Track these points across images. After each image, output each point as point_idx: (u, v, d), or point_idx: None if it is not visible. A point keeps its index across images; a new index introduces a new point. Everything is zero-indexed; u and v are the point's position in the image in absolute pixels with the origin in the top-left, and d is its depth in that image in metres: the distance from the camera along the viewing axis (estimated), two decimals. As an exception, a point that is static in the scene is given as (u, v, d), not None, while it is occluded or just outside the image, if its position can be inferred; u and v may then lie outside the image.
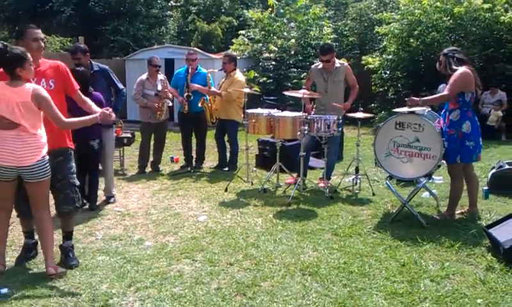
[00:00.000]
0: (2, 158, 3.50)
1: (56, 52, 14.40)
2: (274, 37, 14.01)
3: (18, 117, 3.48)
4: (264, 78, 13.01)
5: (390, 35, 12.11)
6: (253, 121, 6.28)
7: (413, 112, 4.84)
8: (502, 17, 10.54)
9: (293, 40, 13.81)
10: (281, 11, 14.52)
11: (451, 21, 11.11)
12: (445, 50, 4.91)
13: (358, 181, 6.21)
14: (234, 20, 18.09)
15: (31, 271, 3.80)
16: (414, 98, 4.86)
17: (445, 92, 4.68)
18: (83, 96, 4.05)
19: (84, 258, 4.03)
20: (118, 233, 4.67)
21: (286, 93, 6.66)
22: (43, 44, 3.89)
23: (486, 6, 10.60)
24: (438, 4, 11.29)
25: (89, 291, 3.45)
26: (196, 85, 7.18)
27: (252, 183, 6.62)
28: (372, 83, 12.52)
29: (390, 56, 12.18)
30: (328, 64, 6.21)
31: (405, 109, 4.93)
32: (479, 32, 10.99)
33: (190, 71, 7.24)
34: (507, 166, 5.94)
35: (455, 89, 4.64)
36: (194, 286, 3.51)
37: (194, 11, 19.61)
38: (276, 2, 14.58)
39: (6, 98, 3.49)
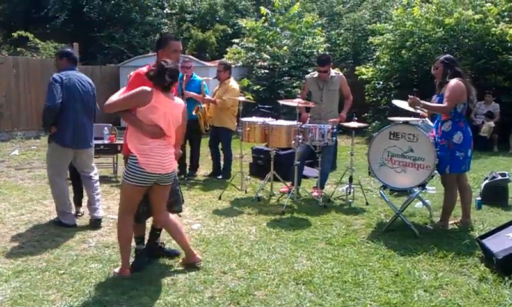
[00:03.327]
0: (150, 166, 3.60)
1: (50, 57, 14.35)
2: (267, 46, 14.07)
3: (170, 128, 3.66)
4: (258, 87, 13.06)
5: (383, 46, 12.20)
6: (248, 129, 6.28)
7: (407, 123, 4.88)
8: (494, 29, 10.65)
9: (285, 48, 13.89)
10: (274, 20, 14.60)
11: (443, 32, 11.22)
12: (444, 59, 4.87)
13: (352, 190, 6.23)
14: (228, 29, 18.15)
15: (24, 278, 3.77)
16: (416, 98, 4.86)
17: (444, 104, 4.70)
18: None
19: (77, 266, 4.00)
20: (111, 240, 4.63)
21: (281, 101, 6.68)
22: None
23: (477, 17, 10.71)
24: (428, 15, 11.40)
25: (82, 298, 3.42)
26: (191, 93, 7.17)
27: (246, 192, 6.61)
28: (366, 93, 12.59)
29: (383, 66, 12.27)
30: (324, 74, 6.25)
31: (400, 119, 4.96)
32: (471, 44, 11.09)
33: (185, 78, 7.24)
34: (499, 177, 5.99)
35: (453, 102, 4.66)
36: (188, 295, 3.50)
37: (189, 19, 19.65)
38: (269, 12, 14.66)
39: (166, 108, 3.62)
